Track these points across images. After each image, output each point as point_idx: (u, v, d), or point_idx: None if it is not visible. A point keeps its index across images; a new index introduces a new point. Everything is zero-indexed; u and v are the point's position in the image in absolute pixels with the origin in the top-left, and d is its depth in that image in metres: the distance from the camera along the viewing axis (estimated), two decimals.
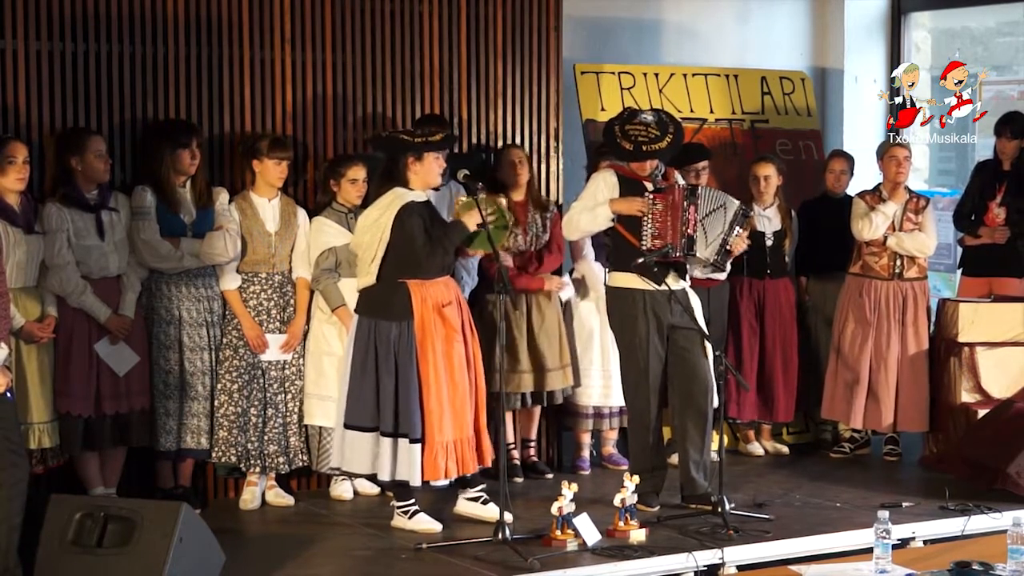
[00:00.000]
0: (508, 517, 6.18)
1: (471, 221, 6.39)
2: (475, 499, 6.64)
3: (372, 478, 6.55)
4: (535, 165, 7.78)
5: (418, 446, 6.33)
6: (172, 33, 6.94)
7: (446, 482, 6.48)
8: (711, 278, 7.57)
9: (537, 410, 7.68)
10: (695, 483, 6.87)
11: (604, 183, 6.87)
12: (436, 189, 6.70)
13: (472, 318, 6.64)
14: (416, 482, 6.36)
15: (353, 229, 6.85)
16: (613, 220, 6.81)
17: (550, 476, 7.55)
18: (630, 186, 6.82)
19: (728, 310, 8.05)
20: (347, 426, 6.46)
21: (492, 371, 6.71)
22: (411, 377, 6.34)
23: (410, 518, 6.50)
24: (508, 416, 7.50)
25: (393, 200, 6.37)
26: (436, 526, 6.47)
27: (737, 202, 6.89)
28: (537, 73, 7.85)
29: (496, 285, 6.39)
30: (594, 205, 6.82)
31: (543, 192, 7.79)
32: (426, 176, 6.43)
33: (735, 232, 6.83)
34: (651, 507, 6.77)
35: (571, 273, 7.79)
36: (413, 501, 6.53)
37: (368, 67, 7.43)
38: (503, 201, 6.65)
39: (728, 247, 6.85)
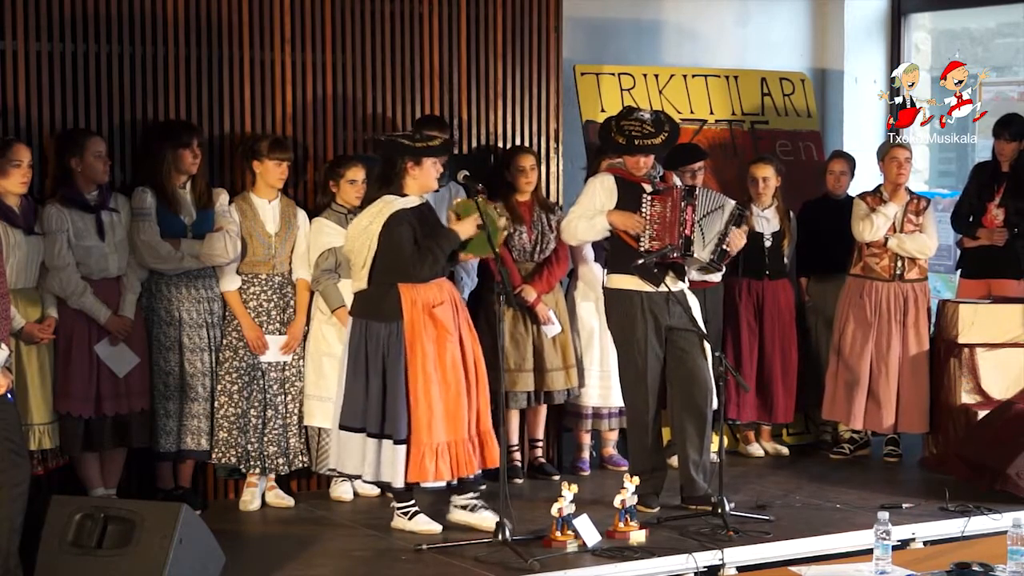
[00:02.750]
0: (493, 519, 6.24)
1: (463, 229, 6.39)
2: (464, 507, 6.60)
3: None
4: None
5: (403, 447, 6.32)
6: (172, 34, 6.94)
7: (442, 484, 6.46)
8: (706, 280, 7.57)
9: (543, 410, 7.68)
10: (694, 484, 6.87)
11: (601, 187, 6.86)
12: (436, 191, 6.70)
13: (471, 319, 6.63)
14: (398, 484, 6.35)
15: None
16: (610, 230, 6.82)
17: (556, 477, 7.54)
18: (628, 189, 6.81)
19: (727, 311, 8.05)
20: (341, 427, 6.47)
21: (495, 371, 6.71)
22: (398, 378, 6.34)
23: (410, 519, 6.50)
24: (515, 416, 7.52)
25: (382, 208, 6.35)
26: (436, 527, 6.47)
27: (733, 202, 6.89)
28: (537, 74, 7.85)
29: (496, 286, 6.39)
30: (592, 214, 6.82)
31: (543, 193, 7.78)
32: (424, 181, 6.41)
33: (731, 231, 6.83)
34: (651, 508, 6.77)
35: (570, 275, 7.79)
36: (413, 502, 6.52)
37: (368, 68, 7.43)
38: (500, 208, 6.63)
39: (725, 246, 6.85)
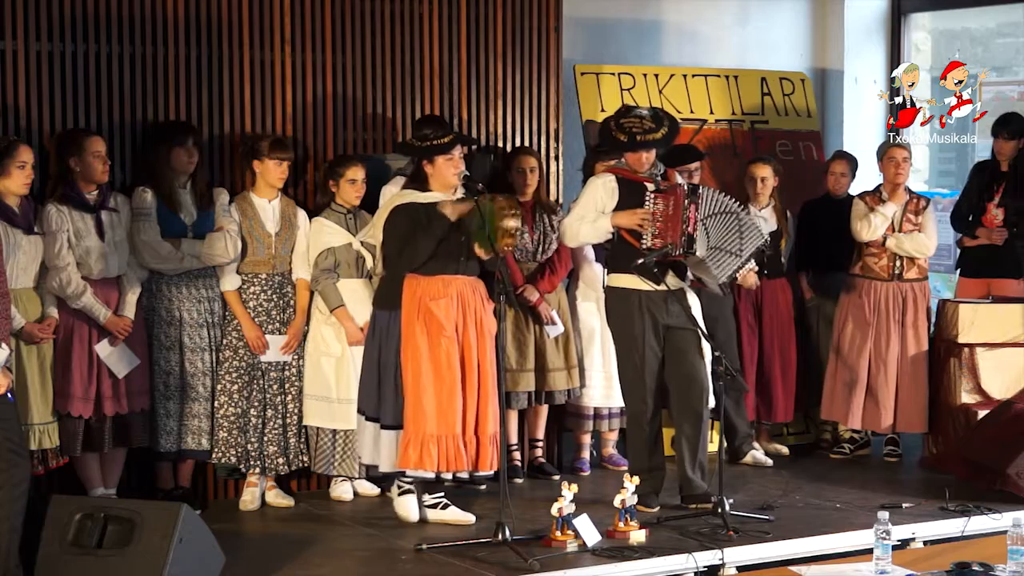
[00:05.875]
0: (465, 515, 6.40)
1: (448, 211, 6.37)
2: (434, 505, 6.64)
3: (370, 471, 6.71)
4: None
5: (389, 433, 6.45)
6: (172, 34, 6.94)
7: (429, 475, 6.44)
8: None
9: (543, 410, 7.68)
10: (692, 483, 6.87)
11: (603, 189, 6.86)
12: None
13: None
14: (384, 468, 6.51)
15: (352, 229, 7.02)
16: (613, 232, 6.82)
17: (556, 477, 7.54)
18: (630, 188, 6.81)
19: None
20: (358, 411, 6.66)
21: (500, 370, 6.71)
22: (390, 366, 6.46)
23: (442, 509, 6.63)
24: (515, 416, 7.52)
25: (394, 200, 6.53)
26: (414, 516, 6.59)
27: (765, 236, 6.90)
28: (537, 73, 7.85)
29: (496, 286, 6.39)
30: (595, 217, 6.82)
31: (544, 193, 7.77)
32: (440, 178, 6.48)
33: (750, 265, 6.85)
34: (651, 508, 6.77)
35: (571, 275, 7.79)
36: (442, 494, 6.62)
37: (368, 67, 7.43)
38: (515, 209, 6.56)
39: (737, 277, 6.88)
